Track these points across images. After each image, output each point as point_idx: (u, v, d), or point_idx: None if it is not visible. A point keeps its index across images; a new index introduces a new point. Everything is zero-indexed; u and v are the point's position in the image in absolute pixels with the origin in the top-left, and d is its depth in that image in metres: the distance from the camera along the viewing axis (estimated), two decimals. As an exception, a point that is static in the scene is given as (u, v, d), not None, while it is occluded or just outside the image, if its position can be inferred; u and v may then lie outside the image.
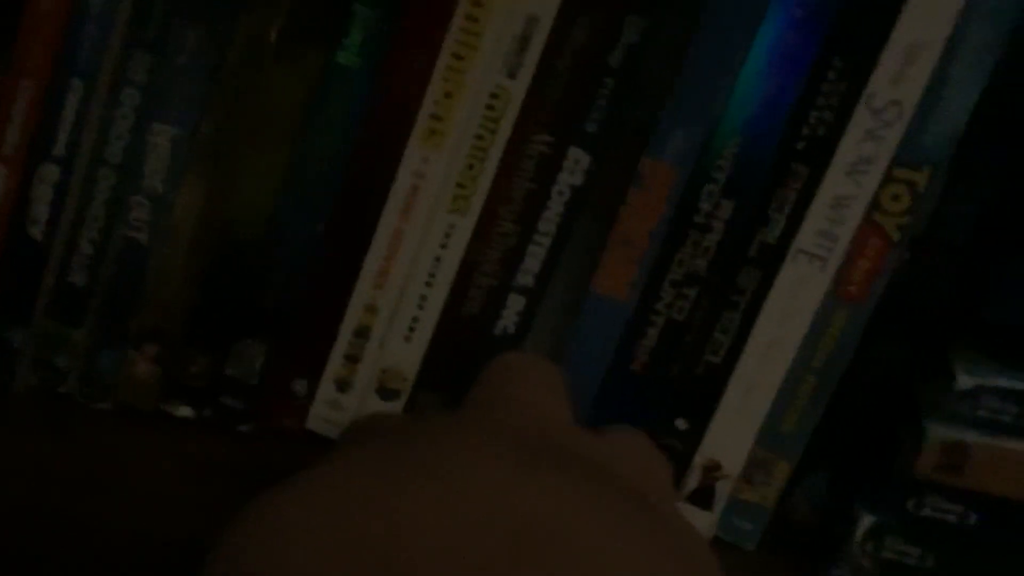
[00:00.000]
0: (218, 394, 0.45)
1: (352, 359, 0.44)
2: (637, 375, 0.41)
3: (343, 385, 0.44)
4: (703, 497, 0.42)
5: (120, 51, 0.41)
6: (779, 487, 0.41)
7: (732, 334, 0.40)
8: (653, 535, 0.28)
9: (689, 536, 0.30)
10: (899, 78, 0.37)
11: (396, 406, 0.44)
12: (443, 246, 0.42)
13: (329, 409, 0.44)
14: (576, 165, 0.41)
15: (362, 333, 0.43)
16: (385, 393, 0.44)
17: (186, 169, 0.42)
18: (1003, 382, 0.37)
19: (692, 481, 0.42)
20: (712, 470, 0.42)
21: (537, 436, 0.31)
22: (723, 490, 0.42)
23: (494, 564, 0.25)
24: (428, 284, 0.43)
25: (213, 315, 0.44)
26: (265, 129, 0.42)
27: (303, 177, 0.42)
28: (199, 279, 0.44)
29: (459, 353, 0.43)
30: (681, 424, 0.41)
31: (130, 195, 0.43)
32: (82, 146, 0.42)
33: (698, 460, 0.42)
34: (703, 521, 0.42)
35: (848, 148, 0.38)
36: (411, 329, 0.43)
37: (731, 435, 0.41)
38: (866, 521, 0.40)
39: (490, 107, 0.41)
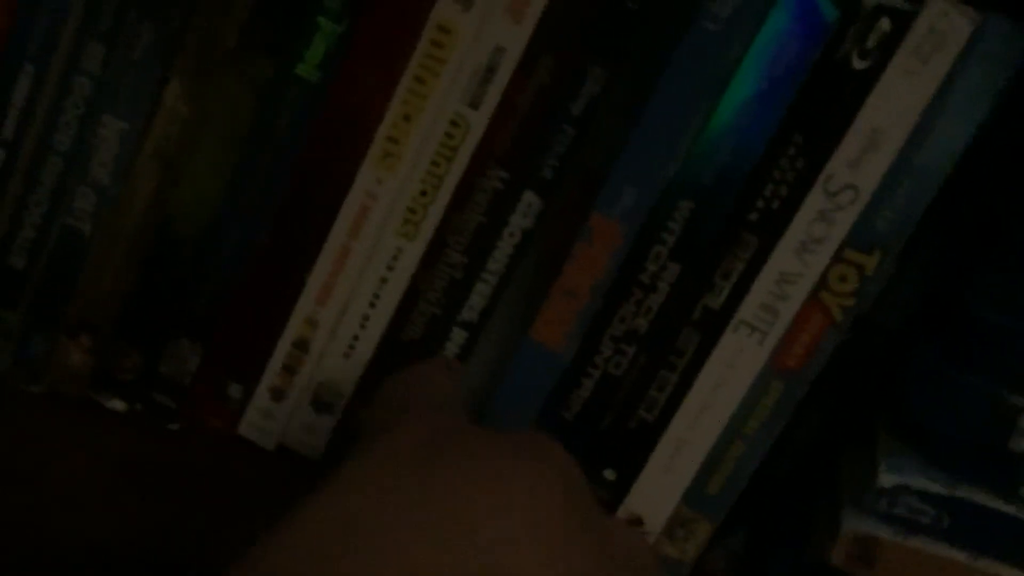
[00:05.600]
0: (150, 390, 0.44)
1: (289, 369, 0.43)
2: (569, 422, 0.41)
3: (278, 394, 0.44)
4: (622, 549, 0.42)
5: (73, 40, 0.40)
6: (700, 544, 0.41)
7: (667, 393, 0.40)
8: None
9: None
10: (858, 163, 0.36)
11: (329, 420, 0.44)
12: (390, 268, 0.42)
13: (261, 417, 0.44)
14: (529, 208, 0.40)
15: (301, 345, 0.43)
16: (320, 406, 0.44)
17: (133, 164, 0.41)
18: (923, 484, 0.37)
19: (613, 532, 0.42)
20: (634, 525, 0.42)
21: None
22: (643, 543, 0.42)
23: None
24: (372, 305, 0.42)
25: (149, 312, 0.43)
26: (215, 132, 0.41)
27: (251, 184, 0.41)
28: (138, 275, 0.43)
29: (397, 375, 0.43)
30: (609, 475, 0.41)
31: (76, 184, 0.42)
32: (30, 131, 0.41)
33: (621, 514, 0.41)
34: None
35: (799, 227, 0.37)
36: (351, 347, 0.43)
37: (658, 492, 0.41)
38: (777, 599, 0.40)
39: (449, 135, 0.40)
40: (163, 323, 0.43)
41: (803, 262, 0.37)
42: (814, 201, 0.36)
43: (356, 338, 0.43)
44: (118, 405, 0.45)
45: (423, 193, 0.41)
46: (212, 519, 0.43)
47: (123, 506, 0.43)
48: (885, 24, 0.35)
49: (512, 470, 0.30)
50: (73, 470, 0.43)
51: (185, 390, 0.44)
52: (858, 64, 0.35)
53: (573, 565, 0.28)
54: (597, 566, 0.29)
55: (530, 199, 0.40)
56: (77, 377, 0.44)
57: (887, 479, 0.36)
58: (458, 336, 0.42)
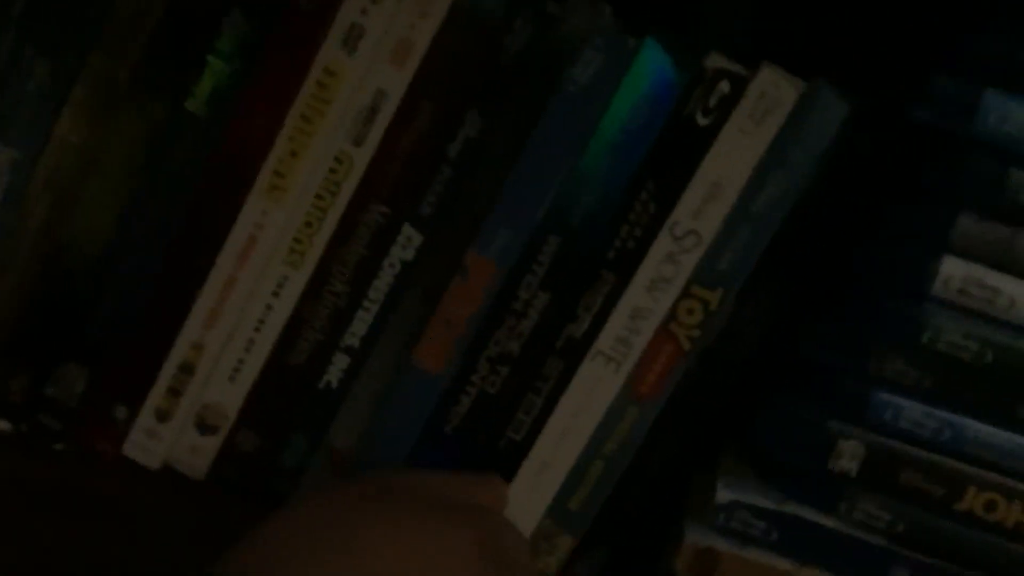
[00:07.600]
0: (36, 412, 0.45)
1: (174, 392, 0.45)
2: (449, 437, 0.44)
3: (163, 415, 0.45)
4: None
5: (-34, 70, 0.41)
6: (562, 558, 0.45)
7: (533, 416, 0.43)
8: None
9: None
10: (700, 212, 0.40)
11: (214, 441, 0.46)
12: (275, 295, 0.44)
13: (147, 437, 0.45)
14: (408, 242, 0.43)
15: (187, 368, 0.45)
16: (204, 428, 0.45)
17: (25, 192, 0.43)
18: (756, 500, 0.40)
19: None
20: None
21: None
22: (510, 557, 0.45)
23: None
24: (257, 330, 0.44)
25: (37, 335, 0.44)
26: (108, 164, 0.43)
27: (142, 213, 0.43)
28: (27, 299, 0.44)
29: (282, 399, 0.45)
30: (481, 491, 0.44)
31: (-36, 209, 0.43)
32: (-81, 156, 0.42)
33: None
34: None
35: (650, 266, 0.41)
36: (236, 370, 0.45)
37: (523, 507, 0.44)
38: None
39: (333, 170, 0.42)
40: (52, 347, 0.44)
41: (653, 298, 0.41)
42: (663, 244, 0.40)
43: (241, 362, 0.44)
44: (3, 426, 0.45)
45: (308, 225, 0.43)
46: (96, 538, 0.44)
47: (7, 525, 0.44)
48: (725, 86, 0.39)
49: (429, 537, 0.35)
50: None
51: (72, 412, 0.45)
52: (702, 121, 0.39)
53: None
54: None
55: (409, 233, 0.43)
56: (-38, 398, 0.45)
57: (723, 495, 0.40)
58: (340, 361, 0.44)
